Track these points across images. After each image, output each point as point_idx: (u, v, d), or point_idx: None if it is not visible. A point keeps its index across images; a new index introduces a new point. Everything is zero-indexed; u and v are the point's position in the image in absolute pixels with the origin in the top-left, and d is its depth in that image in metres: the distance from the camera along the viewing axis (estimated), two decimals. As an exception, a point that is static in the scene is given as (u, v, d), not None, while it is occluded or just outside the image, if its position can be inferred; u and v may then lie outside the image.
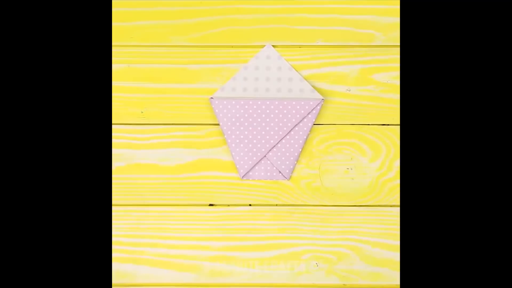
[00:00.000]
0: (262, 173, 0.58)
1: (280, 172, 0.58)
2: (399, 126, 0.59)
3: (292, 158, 0.58)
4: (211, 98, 0.57)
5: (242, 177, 0.58)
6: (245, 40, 0.59)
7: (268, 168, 0.58)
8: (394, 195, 0.58)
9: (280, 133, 0.58)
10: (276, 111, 0.57)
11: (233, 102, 0.57)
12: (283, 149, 0.58)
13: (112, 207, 0.58)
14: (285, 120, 0.57)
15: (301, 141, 0.58)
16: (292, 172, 0.58)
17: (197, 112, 0.59)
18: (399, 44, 0.59)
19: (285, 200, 0.59)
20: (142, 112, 0.59)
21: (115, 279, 0.58)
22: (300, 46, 0.59)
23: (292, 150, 0.58)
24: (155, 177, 0.59)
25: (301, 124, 0.57)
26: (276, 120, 0.57)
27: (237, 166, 0.58)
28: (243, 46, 0.59)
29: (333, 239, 0.59)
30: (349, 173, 0.59)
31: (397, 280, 0.57)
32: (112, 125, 0.59)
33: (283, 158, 0.58)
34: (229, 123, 0.57)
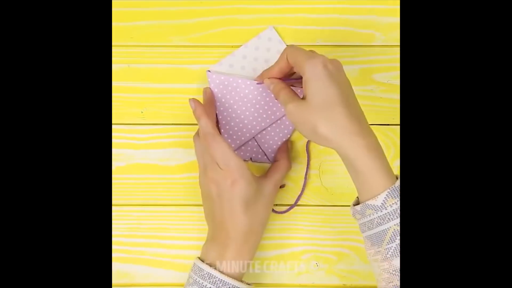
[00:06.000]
0: (248, 154, 0.57)
1: (265, 155, 0.57)
2: (399, 126, 0.58)
3: (280, 143, 0.57)
4: (208, 71, 0.57)
5: None
6: (245, 40, 0.59)
7: (254, 149, 0.57)
8: (394, 195, 0.58)
9: (273, 117, 0.56)
10: (272, 94, 0.55)
11: (231, 79, 0.56)
12: (273, 133, 0.57)
13: (112, 207, 0.58)
14: (279, 104, 0.56)
15: (291, 127, 0.57)
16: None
17: (197, 112, 0.59)
18: (399, 44, 0.59)
19: (285, 200, 0.59)
20: (142, 112, 0.59)
21: (115, 279, 0.58)
22: (300, 46, 0.59)
23: (281, 135, 0.57)
24: (155, 177, 0.59)
25: None
26: (271, 104, 0.56)
27: None
28: (243, 46, 0.59)
29: (333, 239, 0.58)
30: (349, 173, 0.58)
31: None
32: (112, 125, 0.59)
33: (270, 141, 0.57)
34: (223, 100, 0.56)
